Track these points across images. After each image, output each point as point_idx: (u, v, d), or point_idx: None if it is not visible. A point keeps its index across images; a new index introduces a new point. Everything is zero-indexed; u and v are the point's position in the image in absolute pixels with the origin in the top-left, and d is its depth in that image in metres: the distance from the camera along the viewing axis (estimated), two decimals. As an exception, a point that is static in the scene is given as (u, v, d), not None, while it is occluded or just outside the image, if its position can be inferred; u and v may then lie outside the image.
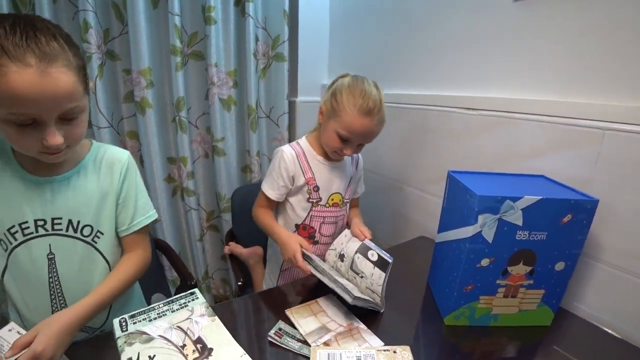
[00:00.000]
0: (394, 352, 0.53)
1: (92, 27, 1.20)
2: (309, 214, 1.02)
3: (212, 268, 1.65)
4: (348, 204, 1.09)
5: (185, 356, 0.52)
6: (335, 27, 1.58)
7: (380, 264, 0.83)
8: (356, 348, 0.55)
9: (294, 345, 0.73)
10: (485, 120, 1.01)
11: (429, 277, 0.96)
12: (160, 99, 1.38)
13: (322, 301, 0.85)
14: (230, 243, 1.28)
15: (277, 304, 0.85)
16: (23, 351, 0.53)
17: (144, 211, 0.80)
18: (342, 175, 1.05)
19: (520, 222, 0.70)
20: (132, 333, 0.57)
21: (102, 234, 0.75)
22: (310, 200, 1.01)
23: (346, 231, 0.98)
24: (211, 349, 0.53)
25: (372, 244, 0.89)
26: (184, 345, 0.54)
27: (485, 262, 0.73)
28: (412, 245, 1.17)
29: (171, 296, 1.10)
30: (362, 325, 0.77)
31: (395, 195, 1.34)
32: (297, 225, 1.03)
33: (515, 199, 0.68)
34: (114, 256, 0.78)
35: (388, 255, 0.82)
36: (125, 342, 0.55)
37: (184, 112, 1.37)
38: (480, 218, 0.69)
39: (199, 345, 0.54)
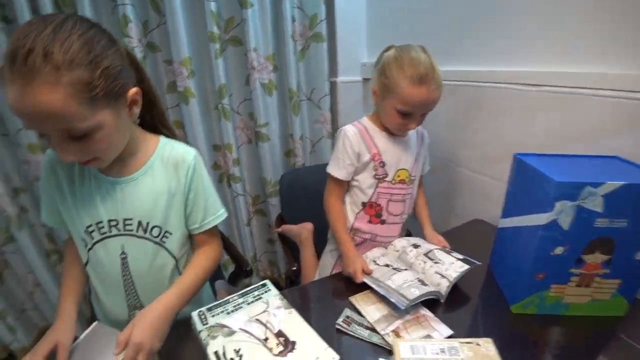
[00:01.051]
0: (477, 344, 0.53)
1: (131, 21, 1.21)
2: (375, 190, 0.99)
3: (260, 251, 1.69)
4: (416, 182, 1.05)
5: (270, 349, 0.53)
6: (372, 2, 1.50)
7: (466, 260, 0.84)
8: (439, 340, 0.54)
9: (363, 333, 0.74)
10: (548, 97, 0.94)
11: (491, 263, 0.94)
12: (202, 88, 1.39)
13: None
14: (281, 227, 1.30)
15: (339, 290, 0.86)
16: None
17: (214, 210, 0.80)
18: (408, 150, 1.00)
19: (600, 209, 0.66)
20: (213, 326, 0.59)
21: (170, 234, 0.76)
22: (377, 176, 0.98)
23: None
24: (294, 342, 0.54)
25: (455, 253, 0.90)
26: (267, 339, 0.55)
27: (559, 250, 0.70)
28: (468, 228, 1.14)
29: (226, 280, 1.15)
30: (429, 313, 0.76)
31: (446, 176, 1.29)
32: (363, 204, 1.01)
33: (596, 185, 0.64)
34: (181, 254, 0.80)
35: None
36: (208, 335, 0.57)
37: (226, 99, 1.37)
38: (557, 205, 0.66)
39: (281, 339, 0.55)
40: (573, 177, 0.66)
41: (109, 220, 0.71)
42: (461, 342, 0.53)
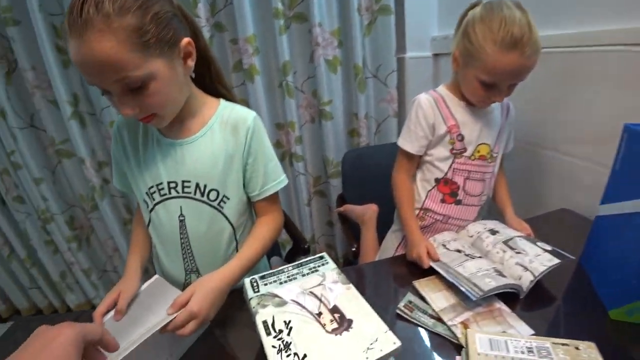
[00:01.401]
0: (577, 348, 0.43)
1: (200, 2, 1.23)
2: (451, 166, 0.88)
3: (318, 233, 1.67)
4: (498, 160, 0.92)
5: (323, 325, 0.49)
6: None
7: (555, 252, 0.73)
8: (525, 338, 0.45)
9: (427, 322, 0.66)
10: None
11: (583, 257, 0.79)
12: (266, 65, 1.38)
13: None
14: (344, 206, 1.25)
15: (401, 274, 0.80)
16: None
17: (275, 176, 0.77)
18: (491, 123, 0.88)
19: None
20: (264, 295, 0.56)
21: (228, 199, 0.75)
22: (454, 151, 0.88)
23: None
24: (350, 320, 0.49)
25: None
26: (320, 314, 0.51)
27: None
28: (553, 218, 0.99)
29: (283, 259, 1.14)
30: (505, 308, 0.67)
31: (527, 160, 1.12)
32: (437, 180, 0.90)
33: None
34: (238, 222, 0.78)
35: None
36: (258, 303, 0.54)
37: (290, 77, 1.35)
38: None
39: (336, 315, 0.50)
40: None
41: (169, 182, 0.72)
42: (554, 343, 0.44)
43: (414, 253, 0.80)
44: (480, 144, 0.87)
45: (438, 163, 0.89)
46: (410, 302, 0.72)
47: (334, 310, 0.52)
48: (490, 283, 0.66)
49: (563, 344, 0.43)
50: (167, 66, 0.59)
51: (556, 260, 0.70)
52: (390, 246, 1.02)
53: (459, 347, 0.60)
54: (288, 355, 0.45)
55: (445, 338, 0.63)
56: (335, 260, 1.75)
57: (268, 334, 0.48)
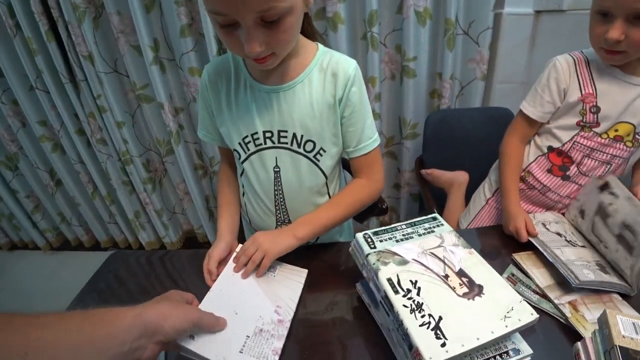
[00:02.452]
0: None
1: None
2: (572, 138, 0.80)
3: (384, 194, 1.66)
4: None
5: (453, 288, 0.49)
6: None
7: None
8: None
9: (531, 297, 0.65)
10: None
11: None
12: (351, 14, 1.31)
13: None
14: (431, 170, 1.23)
15: (499, 244, 0.78)
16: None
17: (370, 133, 0.74)
18: None
19: None
20: (382, 252, 0.56)
21: (325, 151, 0.73)
22: (582, 123, 0.78)
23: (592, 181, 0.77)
24: (481, 286, 0.49)
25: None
26: (447, 276, 0.51)
27: None
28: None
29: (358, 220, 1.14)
30: (617, 295, 0.63)
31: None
32: (550, 148, 0.84)
33: None
34: (332, 174, 0.78)
35: None
36: (378, 260, 0.55)
37: (376, 28, 1.28)
38: None
39: (464, 279, 0.50)
40: None
41: (264, 132, 0.70)
42: None
43: (511, 226, 0.76)
44: (621, 122, 0.76)
45: (558, 131, 0.82)
46: (512, 274, 0.70)
47: (461, 274, 0.51)
48: (588, 275, 0.62)
49: None
50: (302, 0, 0.57)
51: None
52: (483, 197, 0.99)
53: (565, 327, 0.59)
54: (422, 316, 0.45)
55: (552, 316, 0.61)
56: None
57: (396, 292, 0.49)
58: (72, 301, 0.73)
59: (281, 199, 0.77)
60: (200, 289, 0.61)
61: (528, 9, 1.31)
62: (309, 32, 0.71)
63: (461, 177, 1.14)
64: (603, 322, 0.46)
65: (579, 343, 0.49)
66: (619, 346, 0.41)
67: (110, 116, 1.54)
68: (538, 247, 0.71)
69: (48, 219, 2.01)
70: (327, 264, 0.76)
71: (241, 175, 0.79)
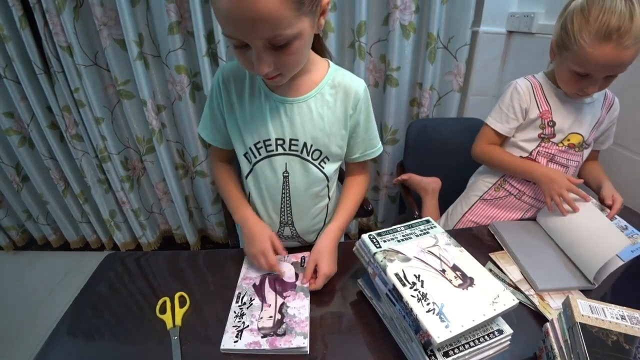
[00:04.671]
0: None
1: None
2: (536, 148, 0.97)
3: (364, 197, 1.78)
4: (587, 151, 0.99)
5: (449, 281, 0.60)
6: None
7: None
8: (618, 307, 0.56)
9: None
10: None
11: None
12: (341, 23, 1.41)
13: (519, 254, 0.85)
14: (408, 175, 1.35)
15: (476, 244, 0.91)
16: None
17: (376, 142, 0.86)
18: (588, 115, 0.94)
19: None
20: (387, 250, 0.67)
21: (328, 159, 0.82)
22: (542, 135, 0.96)
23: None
24: (472, 278, 0.60)
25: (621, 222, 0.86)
26: (444, 270, 0.62)
27: None
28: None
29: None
30: (579, 292, 0.77)
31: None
32: (520, 158, 1.00)
33: None
34: (332, 180, 0.87)
35: None
36: (384, 257, 0.65)
37: (364, 38, 1.39)
38: None
39: (458, 273, 0.61)
40: None
41: (277, 139, 0.78)
42: (645, 312, 0.55)
43: (561, 186, 0.87)
44: (572, 133, 0.94)
45: (524, 144, 0.98)
46: (490, 270, 0.83)
47: (455, 268, 0.63)
48: (548, 282, 0.77)
49: None
50: (310, 25, 0.61)
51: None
52: (460, 211, 1.13)
53: (535, 313, 0.72)
54: (428, 304, 0.56)
55: (523, 304, 0.75)
56: (373, 225, 1.89)
57: (403, 285, 0.59)
58: (69, 307, 0.75)
59: (287, 202, 0.85)
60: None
61: (502, 28, 1.47)
62: (319, 49, 0.79)
63: (434, 184, 1.28)
64: (567, 305, 0.59)
65: (547, 323, 0.61)
66: (579, 322, 0.53)
67: (88, 111, 1.54)
68: (511, 254, 0.86)
69: (13, 216, 1.95)
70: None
71: (247, 177, 0.85)
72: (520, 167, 0.97)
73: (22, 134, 1.68)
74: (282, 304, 0.72)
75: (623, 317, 0.56)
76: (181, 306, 0.73)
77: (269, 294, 0.74)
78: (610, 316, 0.56)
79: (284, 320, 0.68)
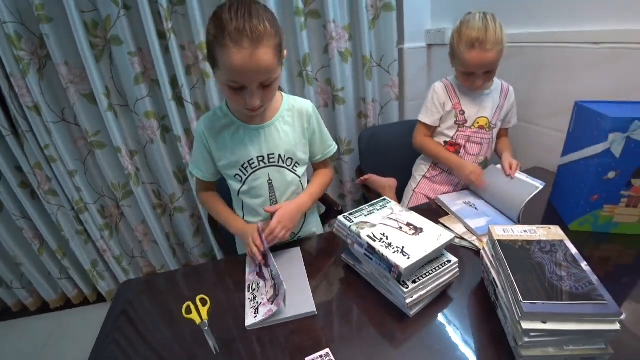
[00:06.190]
0: (549, 228, 0.84)
1: None
2: (455, 133, 1.34)
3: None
4: (495, 130, 1.35)
5: (405, 233, 0.87)
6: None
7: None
8: (523, 226, 0.86)
9: (456, 240, 1.08)
10: (606, 53, 1.20)
11: (551, 196, 1.24)
12: (289, 57, 1.71)
13: (461, 214, 1.18)
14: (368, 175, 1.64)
15: (432, 214, 1.20)
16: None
17: (330, 143, 1.19)
18: (489, 102, 1.31)
19: (646, 139, 0.95)
20: (358, 223, 0.93)
21: (299, 164, 1.12)
22: (457, 122, 1.32)
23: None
24: (421, 228, 0.88)
25: (522, 175, 1.20)
26: (401, 227, 0.89)
27: (611, 174, 0.99)
28: (529, 174, 1.43)
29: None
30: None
31: (511, 130, 1.57)
32: (445, 142, 1.36)
33: (642, 119, 0.93)
34: (303, 177, 1.16)
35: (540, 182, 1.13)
36: (357, 228, 0.91)
37: (309, 67, 1.70)
38: (610, 137, 0.94)
39: (411, 226, 0.89)
40: (624, 114, 0.94)
41: (258, 157, 1.06)
42: (537, 227, 0.85)
43: (467, 171, 1.24)
44: (479, 117, 1.31)
45: (447, 131, 1.35)
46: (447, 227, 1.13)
47: (408, 225, 0.90)
48: (485, 228, 1.08)
49: (542, 227, 0.85)
50: (280, 69, 0.92)
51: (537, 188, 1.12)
52: (410, 189, 1.49)
53: (477, 252, 1.01)
54: (393, 248, 0.82)
55: (469, 248, 1.04)
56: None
57: (374, 241, 0.86)
58: (99, 333, 0.88)
59: (274, 201, 1.12)
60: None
61: (422, 43, 1.86)
62: None
63: (392, 182, 1.59)
64: (489, 232, 0.87)
65: (481, 250, 0.90)
66: (497, 240, 0.82)
67: (60, 165, 1.69)
68: (454, 216, 1.17)
69: (-19, 286, 1.99)
70: (312, 249, 1.12)
71: (238, 193, 1.12)
72: (443, 157, 1.34)
73: (-12, 198, 1.78)
74: (270, 272, 0.95)
75: (525, 231, 0.85)
76: (203, 305, 0.91)
77: (265, 274, 0.98)
78: (517, 232, 0.85)
79: (276, 282, 0.90)
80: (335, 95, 1.79)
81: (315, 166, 1.25)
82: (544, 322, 0.65)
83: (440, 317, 0.83)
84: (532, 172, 1.44)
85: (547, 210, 1.21)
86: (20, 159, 1.69)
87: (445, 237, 0.86)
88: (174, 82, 1.65)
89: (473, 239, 1.06)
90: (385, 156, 1.68)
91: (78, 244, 1.90)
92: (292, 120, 1.09)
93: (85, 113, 1.65)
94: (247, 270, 1.03)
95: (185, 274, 1.11)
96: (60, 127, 1.67)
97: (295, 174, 1.13)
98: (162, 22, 1.52)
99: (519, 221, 1.09)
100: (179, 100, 1.69)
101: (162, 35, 1.56)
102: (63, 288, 2.04)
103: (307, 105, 1.12)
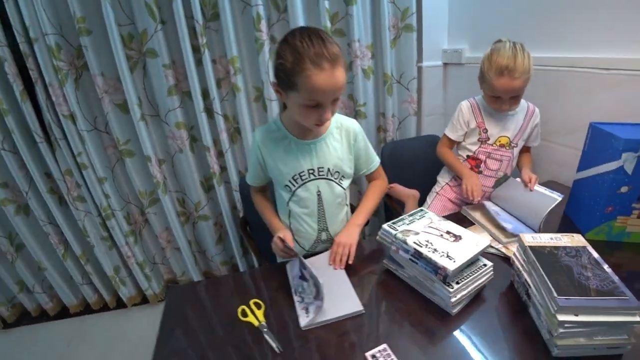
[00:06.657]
0: (572, 236, 0.97)
1: (263, 19, 1.66)
2: (477, 148, 1.48)
3: (350, 215, 2.18)
4: (516, 149, 1.47)
5: (446, 240, 0.99)
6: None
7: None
8: (548, 234, 0.99)
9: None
10: (617, 79, 1.34)
11: (567, 208, 1.38)
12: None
13: (486, 224, 1.31)
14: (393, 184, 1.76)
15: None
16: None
17: (374, 157, 1.31)
18: (512, 123, 1.44)
19: (655, 158, 1.09)
20: (402, 231, 1.05)
21: (344, 177, 1.24)
22: (480, 139, 1.46)
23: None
24: (460, 236, 1.00)
25: (541, 188, 1.31)
26: (442, 235, 1.01)
27: (624, 189, 1.13)
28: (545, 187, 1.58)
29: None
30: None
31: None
32: (468, 156, 1.51)
33: (652, 141, 1.07)
34: (347, 192, 1.28)
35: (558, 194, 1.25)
36: (402, 235, 1.03)
37: (334, 83, 1.83)
38: (624, 156, 1.08)
39: (450, 234, 1.01)
40: (635, 135, 1.08)
41: (308, 170, 1.18)
42: (562, 235, 0.98)
43: (471, 184, 1.37)
44: (501, 136, 1.45)
45: (469, 146, 1.49)
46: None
47: (448, 232, 1.03)
48: (510, 236, 1.21)
49: (566, 235, 0.97)
50: None
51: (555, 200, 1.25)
52: (433, 192, 1.65)
53: (505, 259, 1.14)
54: (439, 253, 0.94)
55: (496, 255, 1.16)
56: (363, 238, 2.28)
57: (421, 247, 0.98)
58: (157, 338, 0.94)
59: (322, 212, 1.24)
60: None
61: (439, 62, 2.01)
62: None
63: (415, 193, 1.71)
64: (519, 240, 1.00)
65: (512, 255, 1.03)
66: (528, 245, 0.95)
67: (91, 172, 1.79)
68: (480, 226, 1.29)
69: (2, 290, 2.05)
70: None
71: (288, 202, 1.23)
72: (457, 169, 1.49)
73: (17, 202, 1.86)
74: (308, 273, 1.05)
75: (551, 238, 0.98)
76: (258, 309, 0.99)
77: (305, 274, 1.08)
78: (544, 239, 0.98)
79: (314, 281, 1.01)
80: (357, 110, 1.93)
81: (367, 179, 1.38)
82: (576, 315, 0.77)
83: (477, 315, 0.94)
84: (548, 185, 1.56)
85: (562, 220, 1.35)
86: (51, 166, 1.78)
87: (483, 243, 0.98)
88: (205, 94, 1.76)
89: (499, 246, 1.19)
90: (405, 169, 1.81)
91: (102, 250, 1.98)
92: (341, 137, 1.21)
93: (117, 122, 1.75)
94: (290, 275, 1.13)
95: (231, 279, 1.22)
96: (93, 135, 1.77)
97: (342, 187, 1.25)
98: (197, 37, 1.64)
99: (539, 230, 1.22)
100: (209, 112, 1.80)
101: (196, 50, 1.68)
102: (84, 293, 2.11)
103: (354, 124, 1.24)
